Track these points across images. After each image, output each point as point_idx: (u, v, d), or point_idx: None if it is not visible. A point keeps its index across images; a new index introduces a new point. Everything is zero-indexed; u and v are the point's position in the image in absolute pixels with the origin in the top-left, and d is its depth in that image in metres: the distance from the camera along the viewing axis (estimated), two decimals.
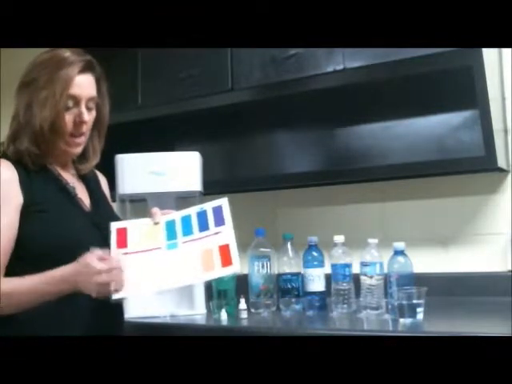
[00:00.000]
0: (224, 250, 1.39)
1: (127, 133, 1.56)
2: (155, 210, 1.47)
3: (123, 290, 1.34)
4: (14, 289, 1.28)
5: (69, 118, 1.40)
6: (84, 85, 1.41)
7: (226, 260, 1.37)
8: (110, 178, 1.66)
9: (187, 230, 1.45)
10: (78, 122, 1.40)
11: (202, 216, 1.47)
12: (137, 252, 1.40)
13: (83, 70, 1.41)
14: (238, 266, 1.37)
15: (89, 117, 1.43)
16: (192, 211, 1.49)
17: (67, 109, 1.39)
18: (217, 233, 1.43)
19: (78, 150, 1.45)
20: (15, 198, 1.34)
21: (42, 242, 1.34)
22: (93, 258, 1.26)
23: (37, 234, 1.34)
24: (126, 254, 1.39)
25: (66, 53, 1.42)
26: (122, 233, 1.42)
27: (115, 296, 1.33)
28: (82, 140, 1.44)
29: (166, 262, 1.39)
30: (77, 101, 1.40)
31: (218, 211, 1.47)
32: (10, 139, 1.42)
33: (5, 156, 1.41)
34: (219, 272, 1.37)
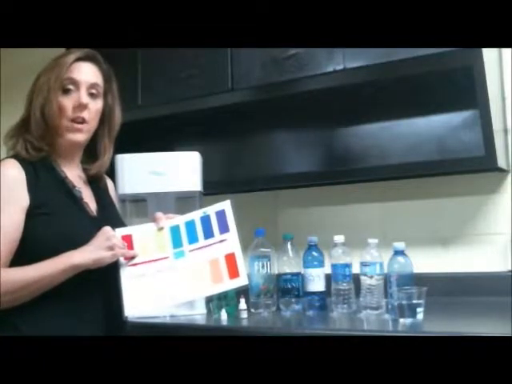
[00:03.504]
0: (230, 260, 1.40)
1: (127, 133, 1.55)
2: (159, 214, 1.47)
3: (137, 307, 1.35)
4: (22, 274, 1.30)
5: (68, 102, 1.40)
6: (84, 70, 1.43)
7: (233, 271, 1.39)
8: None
9: (192, 237, 1.45)
10: (78, 105, 1.40)
11: (205, 221, 1.47)
12: (145, 262, 1.40)
13: (83, 58, 1.43)
14: (245, 278, 1.39)
15: (92, 104, 1.42)
16: (195, 216, 1.49)
17: (67, 92, 1.40)
18: (222, 240, 1.43)
19: (81, 137, 1.43)
20: (21, 198, 1.34)
21: (45, 244, 1.33)
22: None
23: (40, 236, 1.34)
24: (135, 264, 1.40)
25: (72, 49, 1.45)
26: (128, 240, 1.41)
27: (128, 313, 1.35)
28: (85, 127, 1.42)
29: (176, 274, 1.40)
30: (77, 85, 1.41)
31: (221, 216, 1.47)
32: (14, 129, 1.43)
33: (15, 152, 1.41)
34: (228, 285, 1.39)
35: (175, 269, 1.40)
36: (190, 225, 1.47)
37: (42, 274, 1.29)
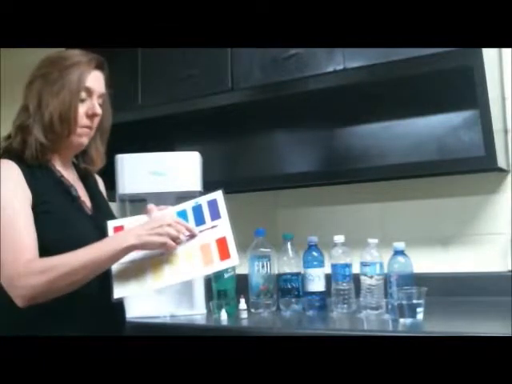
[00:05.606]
0: (221, 243, 1.41)
1: (127, 133, 1.56)
2: (151, 206, 1.48)
3: (125, 289, 1.35)
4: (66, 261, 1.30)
5: (82, 109, 1.41)
6: (98, 80, 1.45)
7: (224, 253, 1.40)
8: (110, 178, 1.66)
9: None
10: (91, 114, 1.42)
11: (197, 210, 1.48)
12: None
13: (97, 67, 1.45)
14: (236, 259, 1.39)
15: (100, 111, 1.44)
16: (187, 206, 1.50)
17: (81, 101, 1.41)
18: (213, 226, 1.45)
19: (85, 141, 1.45)
20: (25, 194, 1.34)
21: (45, 243, 1.33)
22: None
23: (40, 235, 1.33)
24: None
25: (77, 51, 1.45)
26: (120, 231, 1.42)
27: (117, 295, 1.34)
28: (90, 132, 1.45)
29: (166, 258, 1.39)
30: (90, 94, 1.42)
31: (213, 204, 1.48)
32: (17, 129, 1.41)
33: (9, 148, 1.40)
34: (218, 265, 1.40)
35: (166, 254, 1.40)
36: (182, 214, 1.48)
37: (99, 256, 1.30)
